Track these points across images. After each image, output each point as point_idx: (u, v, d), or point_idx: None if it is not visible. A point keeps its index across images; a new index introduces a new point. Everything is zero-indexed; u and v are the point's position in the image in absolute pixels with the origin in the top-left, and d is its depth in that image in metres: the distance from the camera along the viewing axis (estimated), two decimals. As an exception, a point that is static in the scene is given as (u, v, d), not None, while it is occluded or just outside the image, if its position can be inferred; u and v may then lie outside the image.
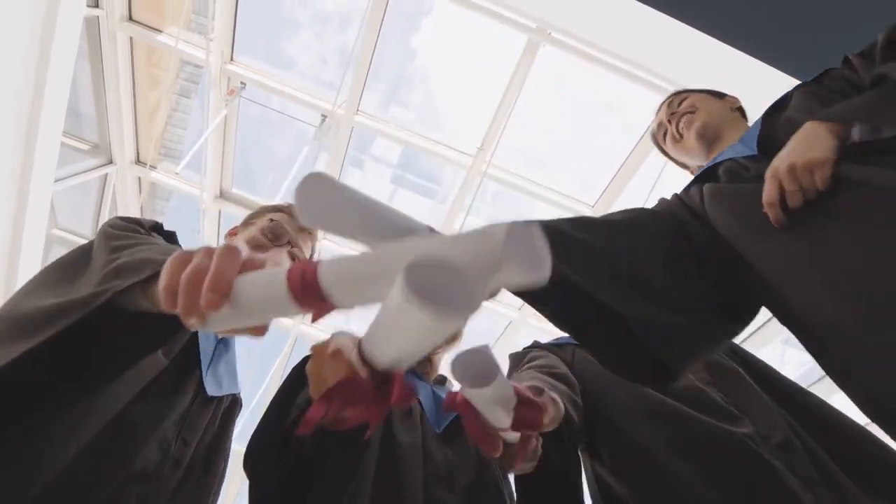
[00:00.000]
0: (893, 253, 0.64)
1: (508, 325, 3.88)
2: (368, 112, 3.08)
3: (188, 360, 0.92)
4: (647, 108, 2.89)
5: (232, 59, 3.06)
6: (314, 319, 0.39)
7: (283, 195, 3.33)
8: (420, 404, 0.97)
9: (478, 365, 0.50)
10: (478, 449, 0.91)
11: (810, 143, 0.75)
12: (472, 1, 2.52)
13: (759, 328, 3.23)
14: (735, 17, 1.79)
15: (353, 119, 3.04)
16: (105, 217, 3.48)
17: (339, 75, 2.91)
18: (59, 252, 3.57)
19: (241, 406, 1.05)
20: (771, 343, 3.17)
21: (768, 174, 0.76)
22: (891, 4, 1.31)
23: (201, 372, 0.94)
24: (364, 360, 0.42)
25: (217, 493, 0.97)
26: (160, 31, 2.98)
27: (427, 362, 1.09)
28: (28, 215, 2.36)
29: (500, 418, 0.54)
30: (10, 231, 2.35)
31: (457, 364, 0.50)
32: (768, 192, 0.76)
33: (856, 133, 0.75)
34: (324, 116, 3.11)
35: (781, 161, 0.75)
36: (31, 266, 2.52)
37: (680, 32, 1.90)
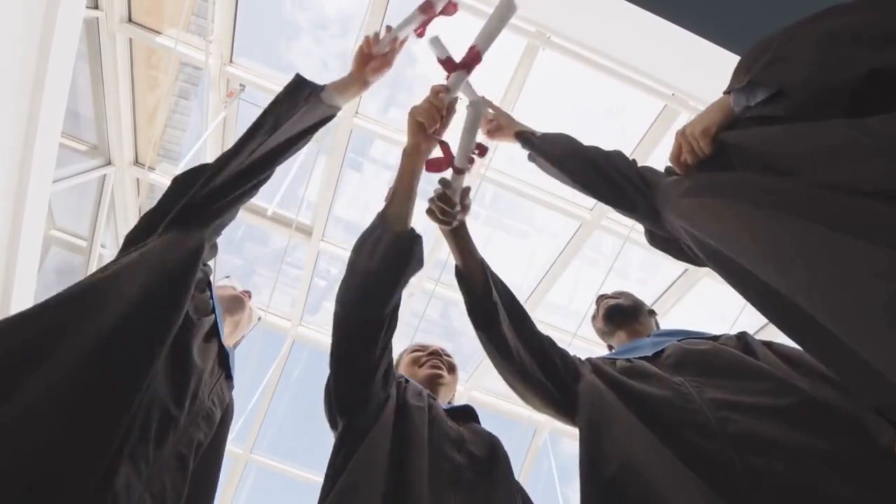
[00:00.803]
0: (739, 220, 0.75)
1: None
2: (367, 115, 3.09)
3: (209, 331, 1.03)
4: (646, 112, 2.91)
5: (231, 62, 3.06)
6: None
7: (280, 196, 3.32)
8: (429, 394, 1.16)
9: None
10: (490, 435, 1.11)
11: (705, 114, 0.89)
12: (472, 5, 2.52)
13: (762, 328, 3.23)
14: (736, 22, 1.80)
15: (351, 121, 3.04)
16: (103, 218, 3.47)
17: (333, 73, 2.92)
18: (57, 253, 3.55)
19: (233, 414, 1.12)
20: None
21: (676, 135, 0.92)
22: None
23: (220, 338, 1.06)
24: None
25: (214, 491, 0.99)
26: (159, 33, 2.99)
27: (435, 390, 1.28)
28: (26, 216, 2.35)
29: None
30: (8, 231, 2.35)
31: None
32: (672, 150, 0.93)
33: (734, 102, 0.86)
34: (323, 119, 3.11)
35: (685, 127, 0.90)
36: (28, 267, 2.51)
37: (679, 37, 1.90)
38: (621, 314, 1.34)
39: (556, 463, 4.46)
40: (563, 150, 1.26)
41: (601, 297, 1.44)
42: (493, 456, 1.04)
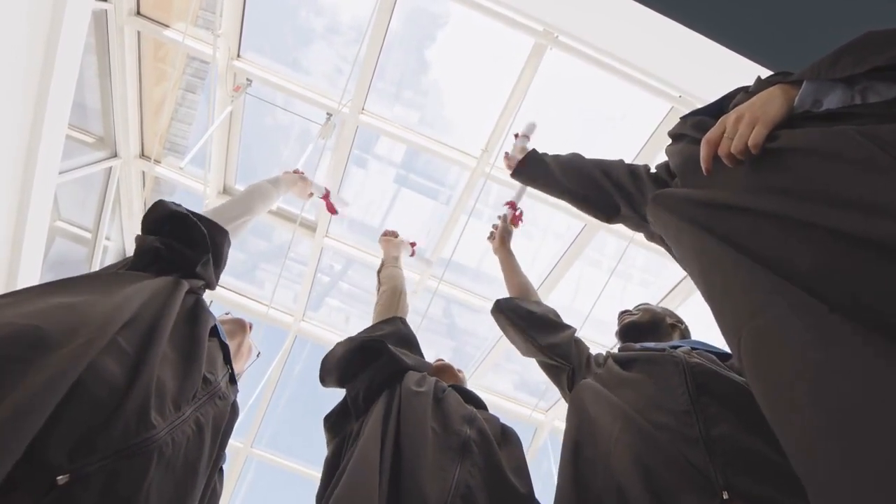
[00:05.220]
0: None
1: (509, 328, 3.87)
2: (373, 112, 3.09)
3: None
4: (652, 113, 2.89)
5: (239, 56, 3.06)
6: None
7: (286, 192, 3.32)
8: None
9: None
10: (504, 424, 1.20)
11: (766, 101, 0.80)
12: (481, 4, 2.52)
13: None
14: (743, 24, 1.79)
15: (357, 118, 3.04)
16: (108, 211, 3.48)
17: (346, 77, 2.91)
18: (62, 244, 3.57)
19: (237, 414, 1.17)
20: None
21: (722, 118, 0.83)
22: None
23: (220, 336, 1.16)
24: None
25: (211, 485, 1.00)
26: (167, 27, 2.99)
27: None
28: (31, 207, 2.36)
29: None
30: (14, 222, 2.35)
31: None
32: (713, 130, 0.83)
33: (798, 101, 0.77)
34: (329, 114, 3.11)
35: (736, 109, 0.82)
36: (33, 258, 2.52)
37: (687, 38, 1.89)
38: (635, 331, 1.34)
39: (556, 463, 4.45)
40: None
41: (622, 313, 1.44)
42: (503, 437, 1.12)
